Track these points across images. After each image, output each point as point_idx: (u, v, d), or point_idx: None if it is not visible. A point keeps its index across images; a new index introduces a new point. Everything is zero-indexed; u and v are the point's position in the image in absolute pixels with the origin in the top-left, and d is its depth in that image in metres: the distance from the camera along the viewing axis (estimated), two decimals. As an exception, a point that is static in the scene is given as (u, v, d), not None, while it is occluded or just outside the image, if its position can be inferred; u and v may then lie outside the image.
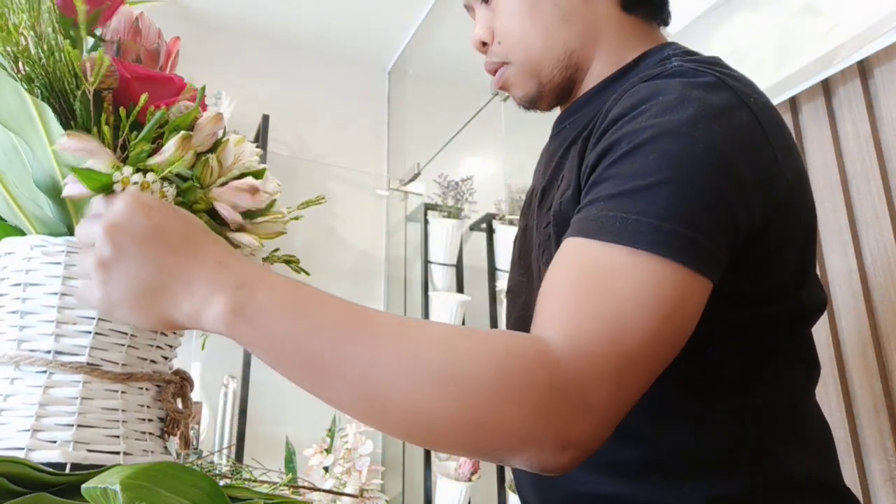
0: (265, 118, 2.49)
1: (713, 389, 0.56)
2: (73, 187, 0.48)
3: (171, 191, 0.50)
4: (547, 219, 0.61)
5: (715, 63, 0.59)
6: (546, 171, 0.68)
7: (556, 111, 0.76)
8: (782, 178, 0.55)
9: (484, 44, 0.69)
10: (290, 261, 0.69)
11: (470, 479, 1.97)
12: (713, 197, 0.49)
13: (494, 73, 0.70)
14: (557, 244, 0.56)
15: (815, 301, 0.61)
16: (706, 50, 0.88)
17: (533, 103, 0.71)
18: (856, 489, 1.02)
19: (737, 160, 0.51)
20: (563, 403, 0.42)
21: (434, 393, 0.42)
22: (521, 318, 0.69)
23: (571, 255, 0.49)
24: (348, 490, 2.04)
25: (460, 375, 0.42)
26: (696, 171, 0.49)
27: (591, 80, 0.68)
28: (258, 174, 0.56)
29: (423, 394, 0.42)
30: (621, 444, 0.51)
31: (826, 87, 1.15)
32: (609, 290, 0.46)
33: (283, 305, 0.44)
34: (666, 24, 0.71)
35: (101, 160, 0.47)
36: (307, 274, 0.71)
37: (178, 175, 0.53)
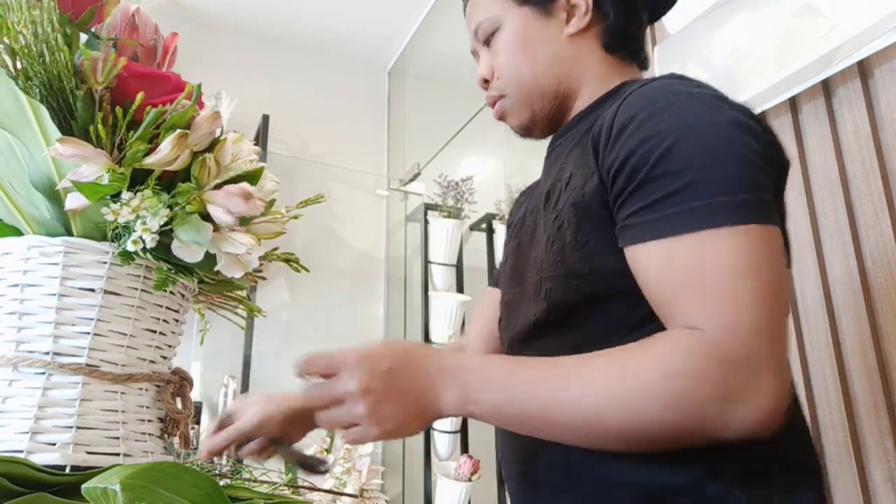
0: (265, 118, 2.48)
1: None
2: (74, 200, 0.48)
3: (163, 211, 0.49)
4: (556, 213, 0.67)
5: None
6: (546, 182, 0.74)
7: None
8: (779, 151, 0.62)
9: (486, 81, 0.78)
10: (288, 259, 0.69)
11: (470, 480, 1.97)
12: (754, 158, 0.57)
13: (494, 104, 0.79)
14: (578, 230, 0.63)
15: None
16: (706, 50, 0.88)
17: (528, 131, 0.79)
18: (856, 489, 1.02)
19: (752, 123, 0.59)
20: (736, 380, 0.50)
21: (627, 413, 0.52)
22: (518, 318, 0.73)
23: (666, 257, 0.56)
24: (348, 490, 2.04)
25: (642, 392, 0.52)
26: (729, 146, 0.56)
27: (578, 108, 0.76)
28: (256, 174, 0.56)
29: (622, 417, 0.52)
30: None
31: (826, 87, 1.15)
32: (716, 272, 0.53)
33: (491, 385, 0.57)
34: (645, 67, 0.80)
35: (95, 164, 0.47)
36: (307, 271, 0.70)
37: (175, 176, 0.52)
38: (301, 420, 0.77)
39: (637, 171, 0.57)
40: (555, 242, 0.66)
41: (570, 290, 0.63)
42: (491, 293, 0.92)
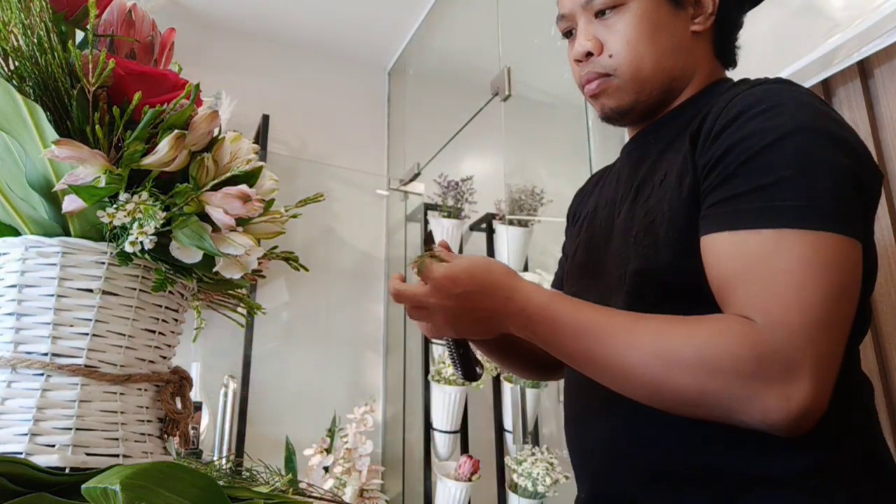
0: (265, 118, 2.48)
1: None
2: (71, 202, 0.48)
3: (159, 214, 0.49)
4: (647, 208, 0.69)
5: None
6: (633, 176, 0.75)
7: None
8: (874, 169, 0.63)
9: (589, 54, 0.74)
10: (288, 257, 0.69)
11: (470, 480, 1.97)
12: (846, 173, 0.57)
13: (592, 81, 0.75)
14: (671, 226, 0.64)
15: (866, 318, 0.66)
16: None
17: (621, 116, 0.76)
18: (856, 489, 1.01)
19: (851, 140, 0.60)
20: (768, 369, 0.52)
21: (659, 373, 0.56)
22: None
23: (738, 247, 0.58)
24: (348, 490, 2.04)
25: (678, 355, 0.55)
26: (825, 156, 0.57)
27: (674, 105, 0.75)
28: (254, 173, 0.56)
29: (651, 375, 0.56)
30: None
31: (826, 87, 1.15)
32: (781, 270, 0.55)
33: (548, 323, 0.63)
34: (734, 65, 0.80)
35: (92, 166, 0.47)
36: (306, 270, 0.70)
37: (173, 176, 0.52)
38: None
39: (730, 164, 0.59)
40: (646, 237, 0.67)
41: (659, 285, 0.65)
42: None
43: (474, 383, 0.77)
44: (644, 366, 0.56)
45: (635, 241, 0.68)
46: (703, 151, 0.63)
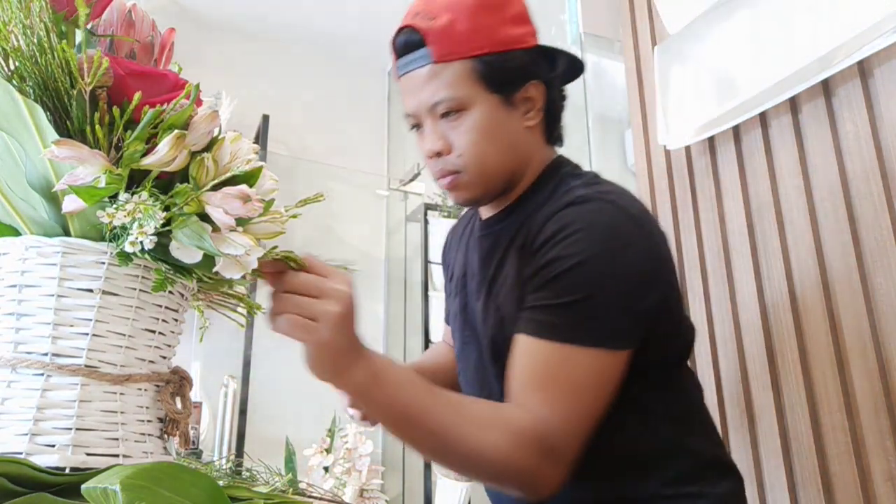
0: (265, 118, 2.49)
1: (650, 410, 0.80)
2: (71, 202, 0.48)
3: (159, 214, 0.49)
4: (498, 306, 0.81)
5: (606, 188, 0.79)
6: (487, 265, 0.86)
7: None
8: (674, 280, 0.80)
9: (438, 154, 0.81)
10: (287, 257, 0.69)
11: (470, 480, 1.97)
12: (625, 300, 0.71)
13: (445, 177, 0.83)
14: (511, 325, 0.76)
15: (687, 342, 0.86)
16: (706, 50, 0.89)
17: (474, 204, 0.87)
18: (856, 489, 1.02)
19: (637, 253, 0.73)
20: (546, 461, 0.67)
21: (465, 451, 0.67)
22: (472, 368, 0.89)
23: (533, 352, 0.71)
24: (348, 490, 2.04)
25: (483, 449, 0.66)
26: (609, 282, 0.71)
27: (517, 191, 0.86)
28: (254, 173, 0.56)
29: (461, 451, 0.67)
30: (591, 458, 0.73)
31: (826, 87, 1.15)
32: (564, 379, 0.69)
33: (389, 388, 0.66)
34: (560, 146, 0.92)
35: (92, 166, 0.47)
36: (305, 270, 0.70)
37: (173, 177, 0.52)
38: None
39: (542, 278, 0.72)
40: (504, 331, 0.78)
41: None
42: (448, 330, 1.06)
43: None
44: (462, 443, 0.66)
45: (496, 331, 0.81)
46: (530, 261, 0.76)
